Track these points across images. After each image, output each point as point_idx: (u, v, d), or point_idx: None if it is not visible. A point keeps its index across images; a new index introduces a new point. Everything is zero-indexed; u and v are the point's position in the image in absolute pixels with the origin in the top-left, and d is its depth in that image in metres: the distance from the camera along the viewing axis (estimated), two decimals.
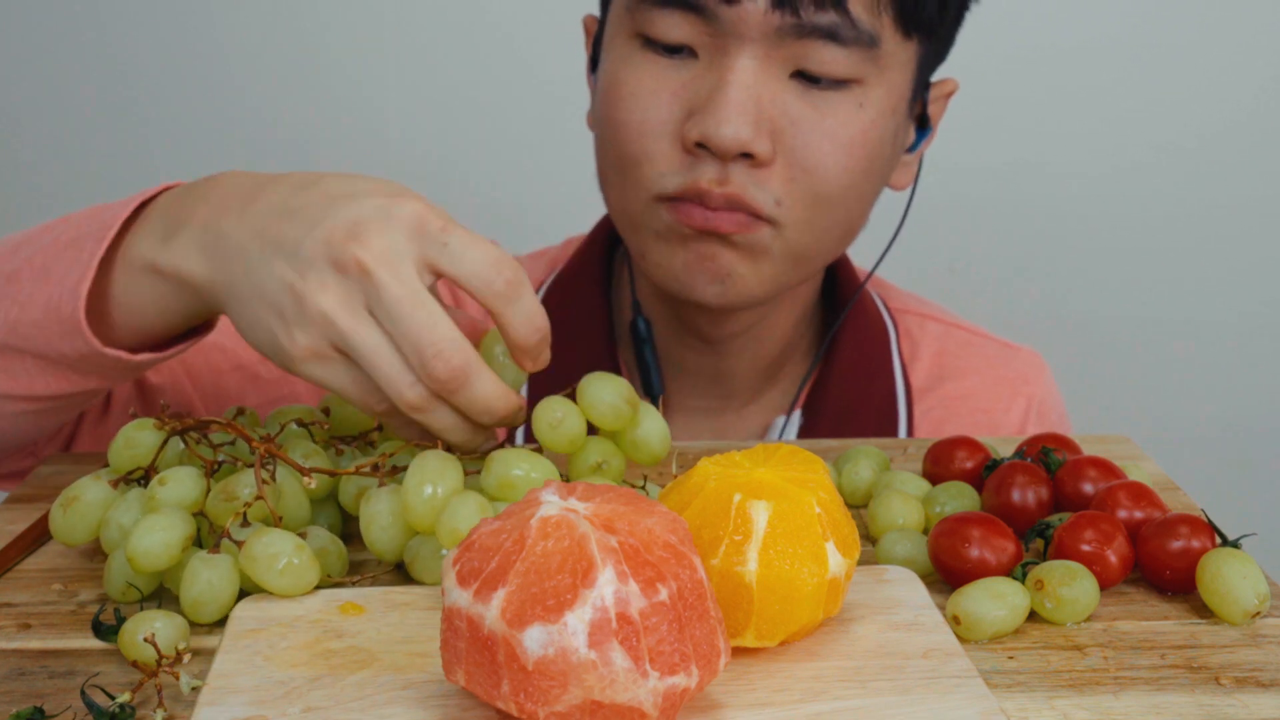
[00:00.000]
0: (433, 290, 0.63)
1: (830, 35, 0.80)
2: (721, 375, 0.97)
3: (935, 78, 0.92)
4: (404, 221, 0.61)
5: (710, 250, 0.85)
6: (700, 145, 0.82)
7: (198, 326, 0.73)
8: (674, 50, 0.83)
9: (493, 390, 0.62)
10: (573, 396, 0.67)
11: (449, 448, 0.65)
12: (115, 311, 0.70)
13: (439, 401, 0.62)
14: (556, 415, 0.65)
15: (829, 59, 0.81)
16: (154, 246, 0.67)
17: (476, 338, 0.67)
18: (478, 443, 0.65)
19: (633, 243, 0.89)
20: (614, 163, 0.87)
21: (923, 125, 0.93)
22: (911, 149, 0.93)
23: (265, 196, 0.64)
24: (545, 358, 0.65)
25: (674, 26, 0.82)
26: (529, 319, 0.63)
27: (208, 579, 0.59)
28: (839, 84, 0.82)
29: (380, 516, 0.63)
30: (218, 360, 0.92)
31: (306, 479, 0.63)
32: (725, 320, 0.93)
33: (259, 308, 0.63)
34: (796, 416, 0.97)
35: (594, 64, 0.93)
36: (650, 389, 0.96)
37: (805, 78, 0.82)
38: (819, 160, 0.83)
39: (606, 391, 0.66)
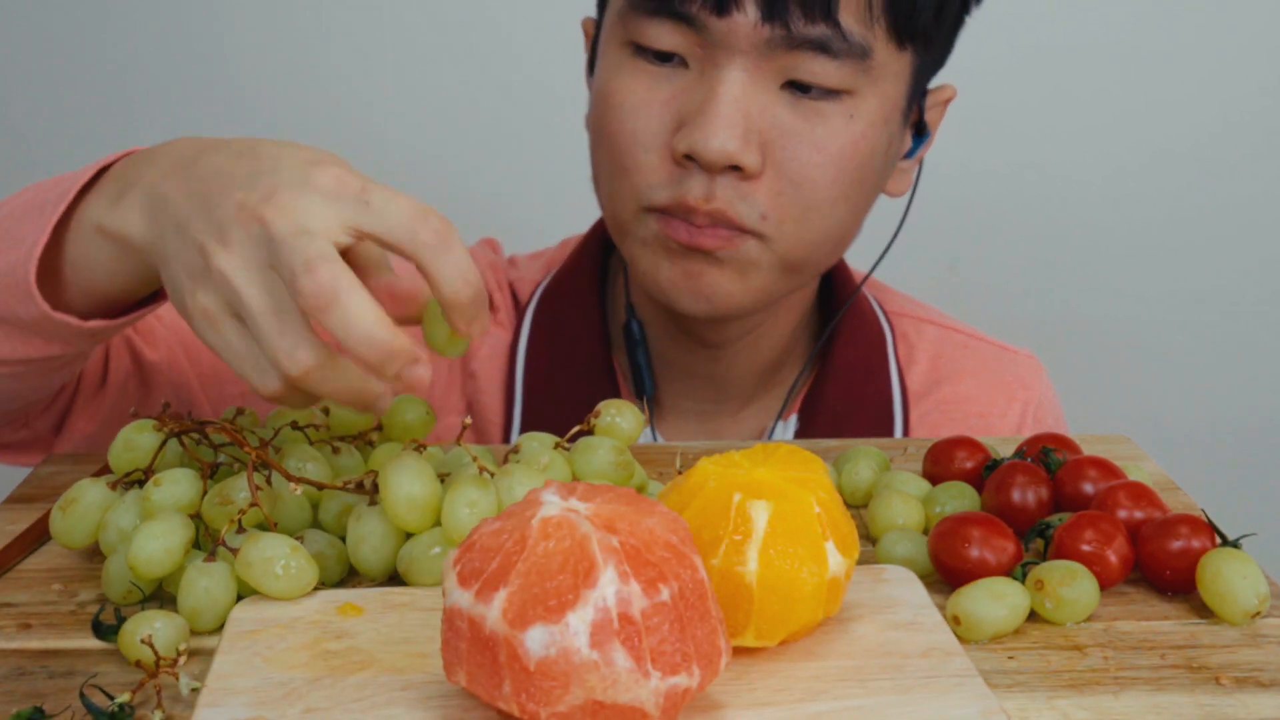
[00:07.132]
0: (355, 250, 0.61)
1: (821, 47, 0.79)
2: (717, 379, 0.97)
3: (934, 83, 0.91)
4: (321, 185, 0.59)
5: (696, 268, 0.85)
6: (688, 158, 0.81)
7: (153, 295, 0.72)
8: (665, 58, 0.83)
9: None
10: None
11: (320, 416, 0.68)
12: (68, 274, 0.69)
13: (329, 362, 0.58)
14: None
15: (820, 70, 0.80)
16: (103, 209, 0.67)
17: (417, 306, 0.64)
18: (371, 396, 0.60)
19: (623, 248, 0.89)
20: (605, 170, 0.87)
21: (920, 132, 0.92)
22: (909, 155, 0.92)
23: (206, 160, 0.63)
24: (484, 320, 0.60)
25: (664, 36, 0.81)
26: (460, 271, 0.58)
27: (205, 587, 0.59)
28: (830, 94, 0.82)
29: (370, 536, 0.63)
30: None
31: (293, 487, 0.62)
32: (720, 326, 0.93)
33: (176, 267, 0.61)
34: (792, 421, 0.97)
35: (591, 67, 0.93)
36: (642, 390, 0.96)
37: (796, 87, 0.82)
38: (808, 173, 0.82)
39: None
